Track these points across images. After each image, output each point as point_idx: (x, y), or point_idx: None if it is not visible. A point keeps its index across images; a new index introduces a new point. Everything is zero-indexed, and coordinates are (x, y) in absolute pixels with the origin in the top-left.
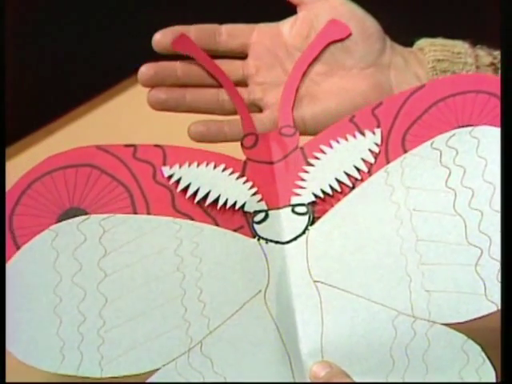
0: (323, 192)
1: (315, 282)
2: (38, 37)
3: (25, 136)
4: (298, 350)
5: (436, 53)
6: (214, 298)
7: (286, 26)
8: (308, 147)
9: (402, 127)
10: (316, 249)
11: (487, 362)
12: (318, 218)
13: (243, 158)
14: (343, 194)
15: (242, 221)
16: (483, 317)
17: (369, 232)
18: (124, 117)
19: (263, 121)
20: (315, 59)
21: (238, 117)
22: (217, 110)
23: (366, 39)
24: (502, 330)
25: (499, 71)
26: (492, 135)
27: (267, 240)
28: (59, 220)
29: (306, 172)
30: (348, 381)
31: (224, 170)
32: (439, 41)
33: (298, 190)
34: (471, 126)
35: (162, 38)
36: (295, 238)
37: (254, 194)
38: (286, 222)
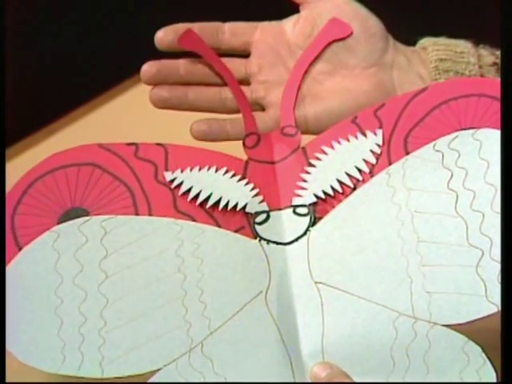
0: (325, 193)
1: (316, 283)
2: (38, 36)
3: (25, 137)
4: (298, 350)
5: (439, 52)
6: (214, 299)
7: (289, 24)
8: (310, 148)
9: (404, 129)
10: (317, 250)
11: (488, 362)
12: (320, 218)
13: (245, 157)
14: (344, 194)
15: (243, 221)
16: (484, 318)
17: (370, 233)
18: (126, 117)
19: (265, 120)
20: (318, 58)
21: (240, 115)
22: (219, 109)
23: (369, 38)
24: (502, 331)
25: None
26: (494, 138)
27: (268, 241)
28: (61, 219)
29: (308, 173)
30: (349, 381)
31: (226, 172)
32: (442, 40)
33: (299, 191)
34: (473, 129)
35: (164, 36)
36: (296, 239)
37: (256, 196)
38: (288, 223)
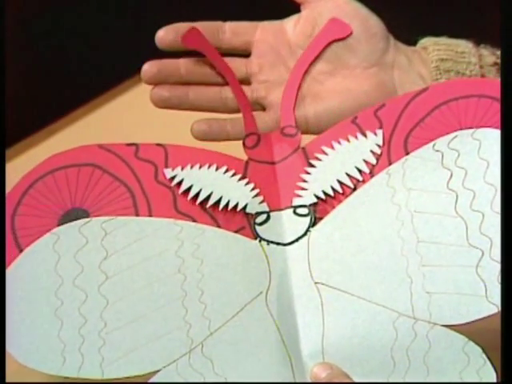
0: (325, 193)
1: (316, 283)
2: (38, 36)
3: (25, 137)
4: (298, 351)
5: (440, 52)
6: (215, 300)
7: (290, 24)
8: (310, 148)
9: (404, 129)
10: (317, 250)
11: (488, 363)
12: (320, 219)
13: (245, 157)
14: (345, 195)
15: (244, 222)
16: (484, 318)
17: (370, 233)
18: (126, 117)
19: (266, 119)
20: (318, 58)
21: (240, 115)
22: (219, 108)
23: (370, 38)
24: (502, 332)
25: None
26: (493, 137)
27: (269, 241)
28: (61, 220)
29: (308, 173)
30: (349, 382)
31: (226, 171)
32: (443, 40)
33: (299, 192)
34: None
35: (165, 35)
36: (297, 240)
37: (256, 196)
38: (288, 224)
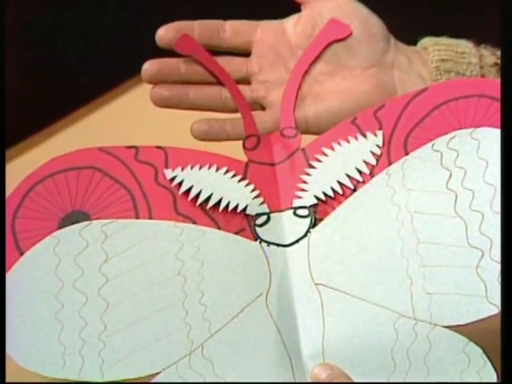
0: (325, 194)
1: (317, 284)
2: (39, 37)
3: (25, 138)
4: (299, 352)
5: (440, 52)
6: (215, 301)
7: (290, 23)
8: (310, 149)
9: (404, 130)
10: (317, 251)
11: (488, 364)
12: (320, 220)
13: (245, 159)
14: (345, 196)
15: (244, 223)
16: (484, 319)
17: (370, 234)
18: (126, 117)
19: (265, 119)
20: (318, 58)
21: (240, 115)
22: (219, 108)
23: (370, 38)
24: (501, 332)
25: None
26: (492, 137)
27: (269, 243)
28: (61, 223)
29: (308, 174)
30: (349, 382)
31: (226, 172)
32: (443, 40)
33: (299, 193)
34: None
35: (165, 34)
36: (297, 241)
37: (256, 197)
38: (288, 225)
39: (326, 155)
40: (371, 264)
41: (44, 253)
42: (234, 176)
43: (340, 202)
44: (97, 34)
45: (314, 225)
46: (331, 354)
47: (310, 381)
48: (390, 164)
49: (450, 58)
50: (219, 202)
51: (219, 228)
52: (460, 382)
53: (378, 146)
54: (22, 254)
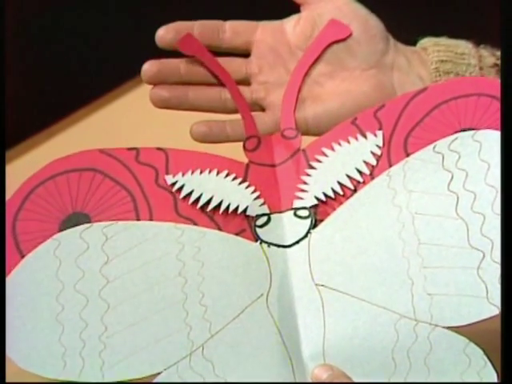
0: (325, 195)
1: (317, 285)
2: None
3: (25, 139)
4: (299, 353)
5: (440, 53)
6: (215, 302)
7: (290, 24)
8: (310, 150)
9: (404, 130)
10: (318, 252)
11: (489, 364)
12: (321, 221)
13: (245, 160)
14: (345, 197)
15: (244, 224)
16: (485, 320)
17: (371, 235)
18: (126, 118)
19: (265, 120)
20: (318, 59)
21: (240, 116)
22: (219, 109)
23: (369, 39)
24: (502, 333)
25: None
26: (494, 139)
27: (269, 244)
28: (62, 225)
29: (308, 175)
30: (350, 382)
31: (226, 175)
32: (443, 41)
33: (300, 194)
34: (473, 128)
35: (165, 34)
36: (297, 242)
37: (257, 198)
38: (289, 226)
39: (326, 156)
40: (372, 265)
41: (45, 255)
42: (234, 178)
43: (340, 203)
44: (97, 34)
45: (314, 226)
46: (332, 354)
47: (310, 381)
48: (390, 164)
49: (449, 59)
50: (219, 205)
51: (220, 229)
52: (460, 383)
53: (378, 146)
54: (22, 256)
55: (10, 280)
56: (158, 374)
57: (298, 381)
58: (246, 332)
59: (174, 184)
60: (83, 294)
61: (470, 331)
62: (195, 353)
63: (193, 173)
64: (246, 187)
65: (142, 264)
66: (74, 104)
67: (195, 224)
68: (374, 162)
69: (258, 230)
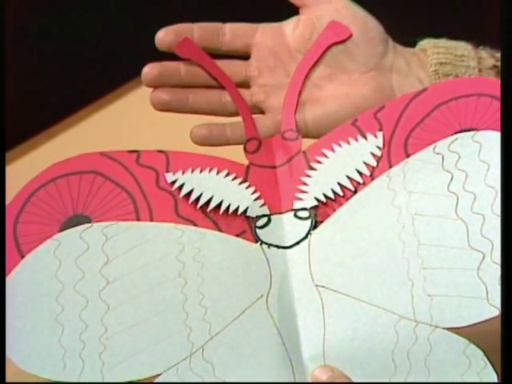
0: (325, 196)
1: (317, 286)
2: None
3: (25, 140)
4: (299, 354)
5: (439, 55)
6: (215, 303)
7: (289, 26)
8: (310, 151)
9: (404, 130)
10: (318, 253)
11: (489, 366)
12: (321, 222)
13: (246, 162)
14: (345, 198)
15: (245, 226)
16: (485, 321)
17: (371, 236)
18: (126, 120)
19: (265, 123)
20: (318, 62)
21: (240, 119)
22: (219, 111)
23: (368, 42)
24: (501, 334)
25: None
26: (494, 140)
27: (269, 245)
28: (63, 227)
29: (309, 176)
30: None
31: (227, 175)
32: (442, 42)
33: (300, 195)
34: (474, 128)
35: (164, 36)
36: (297, 243)
37: (257, 199)
38: (289, 227)
39: (326, 157)
40: (372, 266)
41: (45, 255)
42: (234, 178)
43: (341, 204)
44: (97, 35)
45: (314, 227)
46: (332, 355)
47: (310, 382)
48: (390, 165)
49: (448, 62)
50: (220, 205)
51: (220, 231)
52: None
53: (378, 147)
54: (23, 258)
55: (9, 280)
56: (158, 375)
57: (297, 382)
58: (246, 333)
59: (173, 182)
60: (83, 295)
61: (470, 332)
62: (195, 354)
63: (193, 171)
64: (247, 188)
65: (141, 265)
66: (74, 105)
67: (196, 226)
68: (374, 163)
69: (258, 230)
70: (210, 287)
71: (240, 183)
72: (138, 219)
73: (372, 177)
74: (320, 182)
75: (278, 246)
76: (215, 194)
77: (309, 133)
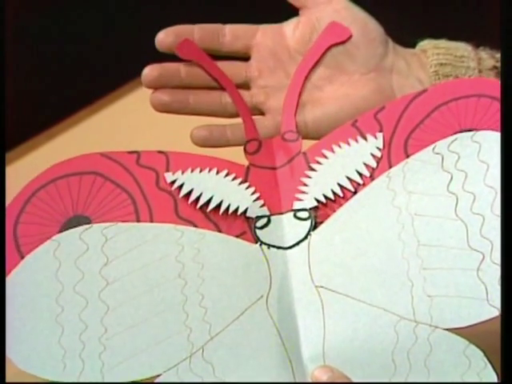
0: (325, 197)
1: (317, 286)
2: (39, 39)
3: (25, 140)
4: (299, 354)
5: (439, 56)
6: (215, 304)
7: (289, 27)
8: (310, 152)
9: (404, 131)
10: (318, 254)
11: (489, 366)
12: (320, 223)
13: (246, 163)
14: (345, 198)
15: (244, 226)
16: (485, 321)
17: (370, 237)
18: (126, 121)
19: (265, 124)
20: (318, 63)
21: (240, 121)
22: (219, 113)
23: (368, 43)
24: (501, 334)
25: None
26: (493, 140)
27: (269, 245)
28: (63, 228)
29: (309, 177)
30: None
31: (227, 175)
32: (442, 43)
33: (300, 195)
34: (474, 129)
35: (165, 38)
36: (297, 243)
37: (257, 200)
38: (288, 228)
39: (326, 158)
40: (372, 266)
41: (44, 256)
42: (234, 179)
43: (340, 205)
44: (97, 35)
45: (314, 227)
46: (331, 356)
47: (310, 383)
48: (390, 166)
49: (448, 62)
50: (219, 205)
51: (220, 231)
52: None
53: (378, 148)
54: (23, 258)
55: (9, 280)
56: (158, 375)
57: (297, 382)
58: (246, 334)
59: (173, 182)
60: (83, 296)
61: (469, 333)
62: (195, 355)
63: (193, 171)
64: (246, 188)
65: (141, 265)
66: (75, 106)
67: (195, 226)
68: (374, 164)
69: (257, 231)
70: (209, 288)
71: (240, 183)
72: (138, 220)
73: (372, 178)
74: (320, 182)
75: (277, 247)
76: (215, 194)
77: (309, 134)
